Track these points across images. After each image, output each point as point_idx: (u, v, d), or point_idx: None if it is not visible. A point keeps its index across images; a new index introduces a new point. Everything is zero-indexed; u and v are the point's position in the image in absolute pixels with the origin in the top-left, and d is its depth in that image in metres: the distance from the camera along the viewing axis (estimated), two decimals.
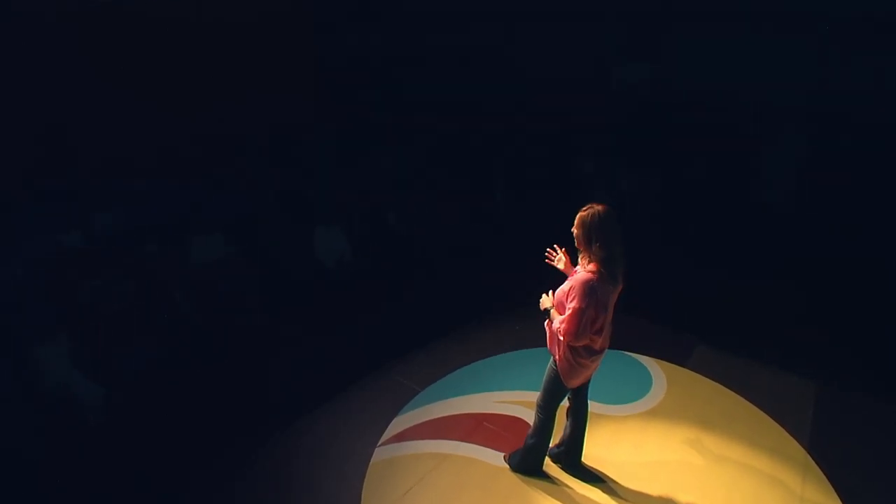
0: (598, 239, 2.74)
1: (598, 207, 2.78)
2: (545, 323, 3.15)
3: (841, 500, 3.37)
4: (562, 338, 2.86)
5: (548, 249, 3.20)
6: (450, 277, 6.37)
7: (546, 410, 3.26)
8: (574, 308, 2.76)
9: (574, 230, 2.85)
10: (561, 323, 2.83)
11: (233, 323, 5.13)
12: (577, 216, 2.83)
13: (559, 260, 3.17)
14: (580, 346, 2.90)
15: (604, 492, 3.42)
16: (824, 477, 3.53)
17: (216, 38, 6.57)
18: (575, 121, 8.28)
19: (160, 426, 4.09)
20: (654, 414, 4.07)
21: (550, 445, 3.48)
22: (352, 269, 6.41)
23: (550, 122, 8.34)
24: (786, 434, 3.86)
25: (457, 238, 7.07)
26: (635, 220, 7.89)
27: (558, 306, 2.95)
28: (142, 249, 5.25)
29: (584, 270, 2.83)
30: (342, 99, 8.10)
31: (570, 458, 3.53)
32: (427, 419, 4.10)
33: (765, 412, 4.06)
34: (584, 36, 8.37)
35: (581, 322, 2.76)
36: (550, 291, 3.14)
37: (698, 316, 5.34)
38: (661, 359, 4.73)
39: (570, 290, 2.81)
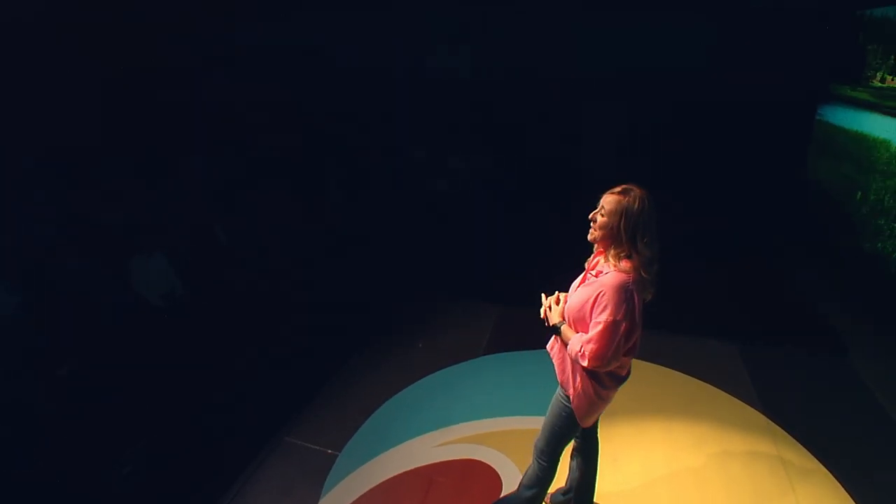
0: (646, 233, 2.04)
1: (640, 192, 2.06)
2: (548, 345, 2.42)
3: (811, 453, 3.31)
4: (586, 363, 2.09)
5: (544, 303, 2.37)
6: (307, 299, 5.27)
7: (551, 457, 2.52)
8: (607, 322, 2.03)
9: (604, 218, 2.09)
10: (587, 343, 2.08)
11: (40, 403, 3.44)
12: (611, 200, 2.08)
13: (554, 305, 2.35)
14: (606, 373, 2.22)
15: None
16: (788, 434, 3.45)
17: None
18: (396, 110, 7.90)
19: None
20: (612, 414, 3.62)
21: (551, 491, 2.80)
22: (186, 303, 4.93)
23: (371, 113, 7.76)
24: (740, 403, 3.72)
25: (300, 250, 5.97)
26: (486, 205, 7.78)
27: (577, 321, 2.18)
28: None
29: (613, 270, 2.09)
30: (139, 106, 6.27)
31: (582, 501, 2.86)
32: (363, 491, 3.10)
33: (712, 385, 3.89)
34: (394, 23, 7.87)
35: (616, 340, 2.05)
36: (555, 296, 2.36)
37: None
38: None
39: (598, 298, 2.06)
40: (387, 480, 3.17)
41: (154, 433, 3.48)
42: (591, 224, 2.14)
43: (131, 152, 4.90)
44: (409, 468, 3.25)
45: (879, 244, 4.87)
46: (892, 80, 4.91)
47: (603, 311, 2.04)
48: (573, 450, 2.77)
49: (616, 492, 3.07)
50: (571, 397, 2.31)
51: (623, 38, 7.13)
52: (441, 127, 8.26)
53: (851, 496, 2.99)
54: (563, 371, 2.34)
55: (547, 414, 2.47)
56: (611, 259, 2.11)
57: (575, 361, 2.20)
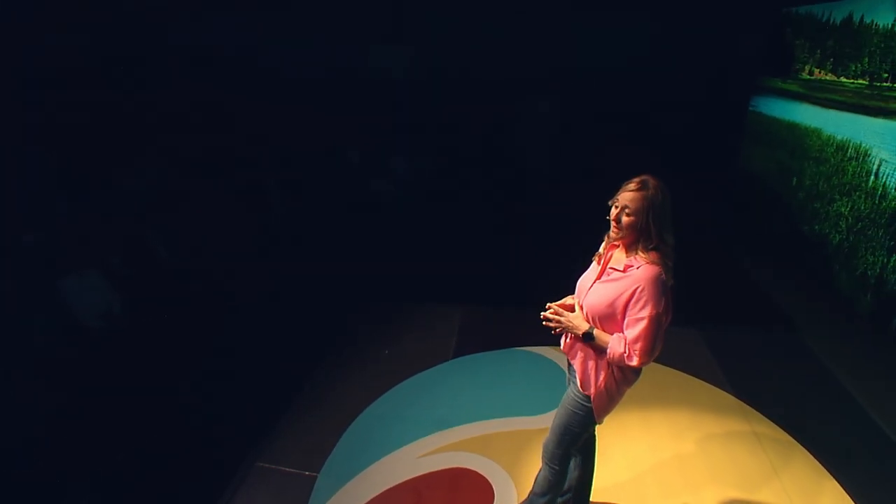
0: (669, 224, 2.04)
1: (655, 181, 2.03)
2: (563, 346, 2.33)
3: (780, 427, 3.48)
4: (636, 362, 2.03)
5: (546, 315, 2.25)
6: (259, 308, 5.00)
7: (564, 459, 2.45)
8: (650, 316, 1.99)
9: (630, 218, 2.03)
10: (634, 343, 2.01)
11: None
12: (633, 198, 2.01)
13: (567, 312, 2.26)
14: (631, 368, 2.16)
15: None
16: (758, 413, 3.60)
17: None
18: (338, 111, 7.67)
19: None
20: None
21: None
22: (127, 323, 4.53)
23: (312, 115, 7.54)
24: (710, 386, 3.85)
25: (245, 257, 5.67)
26: (430, 204, 7.71)
27: (604, 319, 2.11)
28: None
29: (643, 262, 2.04)
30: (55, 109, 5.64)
31: (580, 500, 2.80)
32: None
33: (681, 370, 4.00)
34: (332, 23, 7.68)
35: (660, 333, 2.03)
36: (560, 303, 2.30)
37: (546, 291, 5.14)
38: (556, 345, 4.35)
39: (636, 293, 2.01)
40: (373, 499, 2.99)
41: (105, 475, 3.13)
42: (613, 224, 2.08)
43: (55, 161, 4.43)
44: (394, 483, 3.09)
45: (816, 226, 5.18)
46: (820, 72, 5.24)
47: (644, 306, 2.00)
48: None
49: (606, 486, 3.05)
50: (592, 396, 2.24)
51: (558, 38, 7.24)
52: (391, 127, 8.11)
53: (823, 465, 3.15)
54: (585, 371, 2.25)
55: (557, 417, 2.39)
56: (640, 252, 2.06)
57: (616, 363, 2.11)
